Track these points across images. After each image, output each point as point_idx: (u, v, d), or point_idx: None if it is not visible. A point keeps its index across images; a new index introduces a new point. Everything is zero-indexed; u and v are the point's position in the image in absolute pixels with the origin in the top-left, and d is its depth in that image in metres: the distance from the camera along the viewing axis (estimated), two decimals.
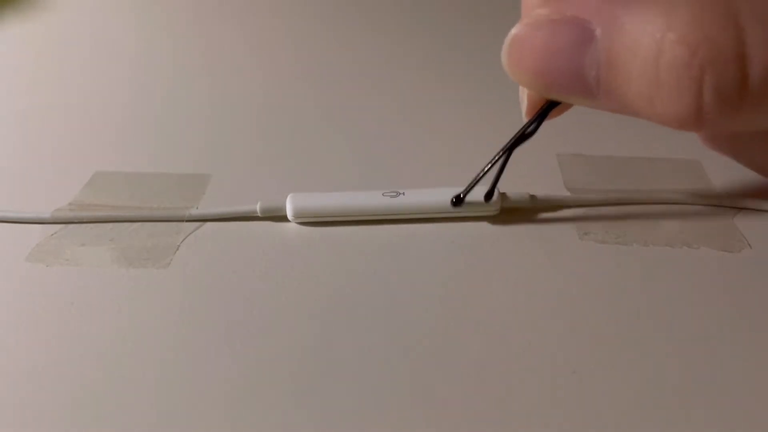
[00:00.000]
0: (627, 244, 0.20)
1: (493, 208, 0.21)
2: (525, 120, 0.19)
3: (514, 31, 0.17)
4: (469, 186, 0.20)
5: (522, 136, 0.19)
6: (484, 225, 0.21)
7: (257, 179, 0.23)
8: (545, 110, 0.18)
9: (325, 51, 0.34)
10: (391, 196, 0.21)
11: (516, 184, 0.21)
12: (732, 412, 0.15)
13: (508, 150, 0.19)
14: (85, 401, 0.15)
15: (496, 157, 0.19)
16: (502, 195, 0.21)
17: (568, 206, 0.22)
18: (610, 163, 0.24)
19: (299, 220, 0.21)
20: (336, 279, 0.19)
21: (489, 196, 0.20)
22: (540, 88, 0.17)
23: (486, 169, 0.19)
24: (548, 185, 0.22)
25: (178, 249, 0.20)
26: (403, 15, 0.38)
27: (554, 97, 0.17)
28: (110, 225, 0.21)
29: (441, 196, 0.21)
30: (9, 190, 0.23)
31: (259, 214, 0.21)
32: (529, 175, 0.23)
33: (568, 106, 0.19)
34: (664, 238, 0.20)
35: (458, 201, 0.20)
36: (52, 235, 0.20)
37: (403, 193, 0.21)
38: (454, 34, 0.35)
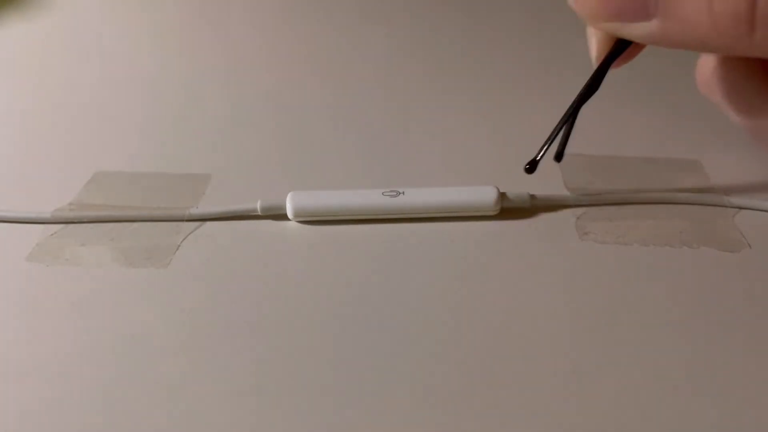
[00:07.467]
0: (627, 244, 0.20)
1: (493, 208, 0.21)
2: (595, 65, 0.19)
3: None
4: (541, 149, 0.19)
5: (589, 90, 0.19)
6: (484, 225, 0.21)
7: (257, 178, 0.23)
8: (611, 56, 0.19)
9: (325, 49, 0.34)
10: (391, 196, 0.21)
11: (516, 184, 0.21)
12: (732, 411, 0.15)
13: (575, 107, 0.19)
14: (86, 401, 0.15)
15: (565, 118, 0.19)
16: (502, 195, 0.21)
17: (568, 206, 0.22)
18: (610, 163, 0.24)
19: (299, 219, 0.21)
20: (336, 277, 0.19)
21: (559, 156, 0.19)
22: (604, 16, 0.18)
23: (556, 129, 0.19)
24: (548, 185, 0.22)
25: (178, 249, 0.20)
26: (405, 14, 0.38)
27: (616, 27, 0.18)
28: (110, 225, 0.21)
29: (441, 196, 0.21)
30: (9, 190, 0.23)
31: (259, 213, 0.21)
32: (529, 175, 0.23)
33: (631, 53, 0.19)
34: (664, 238, 0.20)
35: (532, 166, 0.20)
36: (52, 235, 0.20)
37: (403, 193, 0.21)
38: (456, 34, 0.35)
